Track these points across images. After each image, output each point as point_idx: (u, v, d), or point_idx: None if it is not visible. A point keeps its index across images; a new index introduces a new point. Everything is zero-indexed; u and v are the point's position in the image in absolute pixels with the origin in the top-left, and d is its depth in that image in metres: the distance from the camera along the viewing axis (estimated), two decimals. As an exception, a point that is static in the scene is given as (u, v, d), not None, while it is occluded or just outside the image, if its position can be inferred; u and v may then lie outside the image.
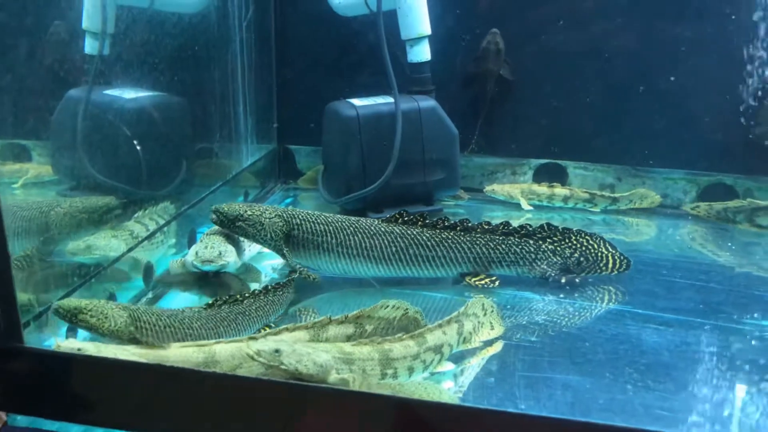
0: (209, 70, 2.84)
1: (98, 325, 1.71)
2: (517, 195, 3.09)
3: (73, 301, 1.75)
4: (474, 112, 3.17)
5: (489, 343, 1.94)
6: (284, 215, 2.26)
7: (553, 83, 3.15)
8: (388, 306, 1.84)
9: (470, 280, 2.29)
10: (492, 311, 1.99)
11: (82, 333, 1.80)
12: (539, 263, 2.30)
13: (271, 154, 3.34)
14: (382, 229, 2.27)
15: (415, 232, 2.27)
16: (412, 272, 2.29)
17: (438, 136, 2.86)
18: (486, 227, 2.32)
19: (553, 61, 3.12)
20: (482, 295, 2.18)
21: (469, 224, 2.31)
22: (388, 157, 2.71)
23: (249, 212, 2.24)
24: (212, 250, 2.18)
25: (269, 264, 2.48)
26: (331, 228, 2.25)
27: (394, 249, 2.25)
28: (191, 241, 2.47)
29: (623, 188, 3.15)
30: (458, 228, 2.30)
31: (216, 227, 2.35)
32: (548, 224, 2.34)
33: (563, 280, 2.29)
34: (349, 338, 1.77)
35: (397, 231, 2.27)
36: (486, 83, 3.11)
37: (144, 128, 2.35)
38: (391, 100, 2.79)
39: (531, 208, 3.07)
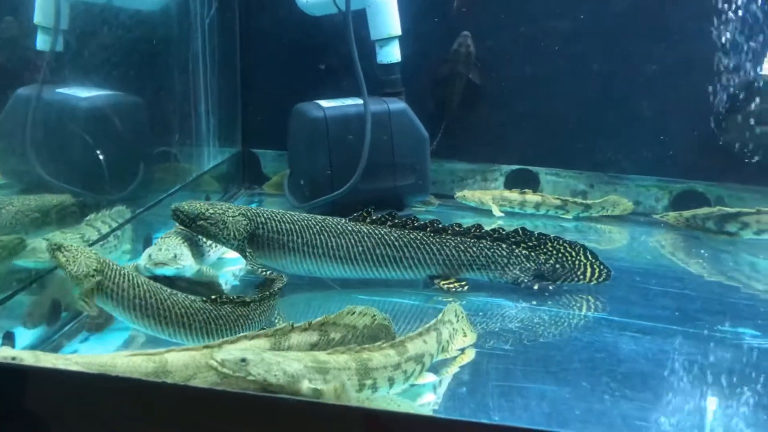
0: (169, 69, 2.76)
1: (64, 264, 1.73)
2: (489, 201, 3.08)
3: (59, 238, 1.75)
4: (440, 114, 3.14)
5: (462, 351, 1.88)
6: (248, 213, 2.20)
7: (525, 88, 3.13)
8: (354, 312, 1.76)
9: (439, 283, 2.25)
10: (463, 317, 1.93)
11: (20, 341, 1.68)
12: (512, 268, 2.26)
13: (235, 157, 3.27)
14: (349, 228, 2.23)
15: (382, 232, 2.23)
16: (379, 273, 2.24)
17: (408, 139, 2.83)
18: (457, 229, 2.28)
19: (526, 67, 3.11)
20: (454, 300, 2.11)
21: (440, 225, 2.27)
22: (357, 160, 2.67)
23: (211, 210, 2.17)
24: (167, 252, 2.07)
25: (230, 270, 2.39)
26: (296, 227, 2.20)
27: (360, 249, 2.21)
28: (146, 246, 2.35)
29: (596, 195, 3.15)
30: (428, 229, 2.26)
31: (173, 231, 2.26)
32: (523, 229, 2.31)
33: (536, 287, 2.25)
34: (313, 347, 1.68)
35: (365, 230, 2.23)
36: (454, 86, 3.10)
37: (98, 128, 2.28)
38: (360, 101, 2.75)
39: (502, 214, 3.05)
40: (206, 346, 1.57)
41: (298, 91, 3.02)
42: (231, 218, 2.16)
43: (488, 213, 3.06)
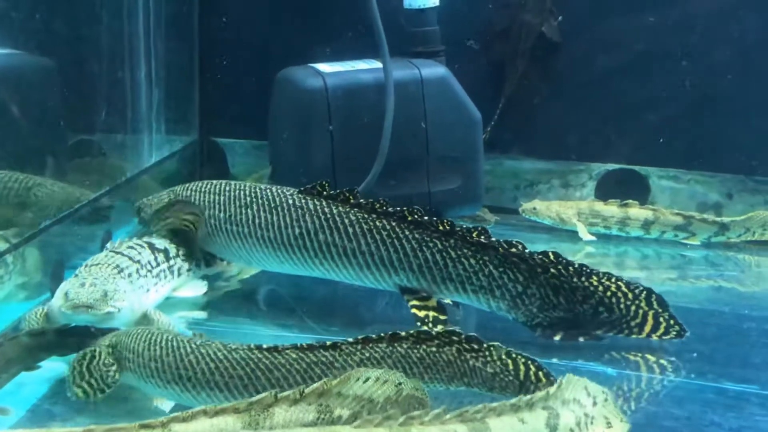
0: (93, 16, 2.80)
1: None
2: (572, 218, 3.09)
3: None
4: (498, 85, 3.18)
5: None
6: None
7: (626, 50, 3.16)
8: (368, 378, 1.74)
9: (410, 302, 2.27)
10: (606, 400, 1.86)
11: None
12: (527, 302, 2.26)
13: (190, 150, 3.34)
14: (291, 201, 2.34)
15: (335, 212, 2.30)
16: (320, 270, 2.33)
17: (450, 122, 2.88)
18: (455, 229, 2.26)
19: (630, 16, 3.15)
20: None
21: (426, 218, 2.27)
22: (373, 153, 2.74)
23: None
24: (93, 288, 2.05)
25: (184, 315, 2.42)
26: (222, 198, 2.42)
27: (297, 231, 2.31)
28: (56, 279, 2.38)
29: (736, 210, 3.16)
30: (408, 218, 2.27)
31: (102, 255, 2.29)
32: (556, 254, 2.27)
33: (557, 338, 2.25)
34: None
35: (309, 207, 2.32)
36: (519, 43, 3.14)
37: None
38: (377, 65, 2.81)
39: (593, 237, 3.06)
40: (143, 425, 1.55)
41: (284, 50, 3.09)
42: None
43: (572, 235, 3.08)
